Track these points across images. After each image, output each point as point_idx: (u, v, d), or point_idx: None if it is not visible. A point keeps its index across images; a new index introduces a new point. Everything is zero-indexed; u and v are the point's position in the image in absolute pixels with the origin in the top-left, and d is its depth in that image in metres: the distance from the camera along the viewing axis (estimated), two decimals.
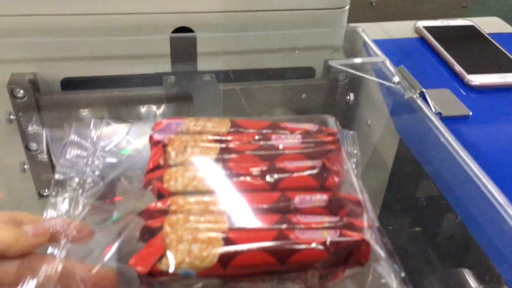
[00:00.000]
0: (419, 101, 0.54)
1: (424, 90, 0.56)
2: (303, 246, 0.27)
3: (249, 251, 0.27)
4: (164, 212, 0.30)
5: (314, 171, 0.32)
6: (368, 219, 0.30)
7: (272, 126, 0.36)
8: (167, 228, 0.28)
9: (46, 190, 0.70)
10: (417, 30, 0.73)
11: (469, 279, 0.65)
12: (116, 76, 0.66)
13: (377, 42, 0.69)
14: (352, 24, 0.70)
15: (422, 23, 0.73)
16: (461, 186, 0.50)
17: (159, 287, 0.29)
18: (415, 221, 0.76)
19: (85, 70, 0.64)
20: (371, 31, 0.72)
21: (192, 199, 0.30)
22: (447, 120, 0.55)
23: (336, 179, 0.32)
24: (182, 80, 0.68)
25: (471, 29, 0.73)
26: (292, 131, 0.35)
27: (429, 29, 0.72)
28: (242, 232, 0.28)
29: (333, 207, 0.30)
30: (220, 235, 0.28)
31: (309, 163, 0.32)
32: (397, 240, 0.78)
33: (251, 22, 0.66)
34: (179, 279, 0.28)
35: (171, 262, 0.27)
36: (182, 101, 0.68)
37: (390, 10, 1.54)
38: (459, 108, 0.57)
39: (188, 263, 0.27)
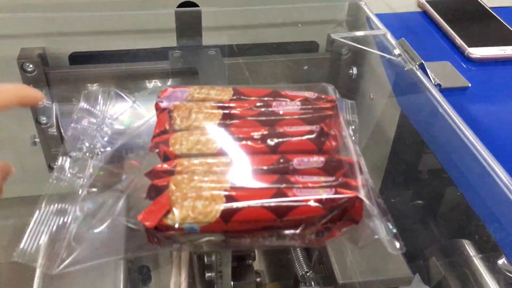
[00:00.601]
0: (419, 73, 0.55)
1: (424, 62, 0.57)
2: (300, 203, 0.29)
3: (250, 207, 0.29)
4: (170, 173, 0.31)
5: (313, 136, 0.33)
6: (362, 179, 0.32)
7: (273, 93, 0.37)
8: (172, 187, 0.30)
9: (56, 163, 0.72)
10: (419, 4, 0.74)
11: (468, 249, 0.67)
12: (123, 51, 0.67)
13: (380, 16, 0.69)
14: None
15: None
16: (459, 157, 0.52)
17: (165, 242, 0.30)
18: (417, 193, 0.78)
19: (92, 44, 0.65)
20: (374, 5, 0.72)
21: (196, 161, 0.32)
22: (447, 92, 0.56)
23: (333, 143, 0.34)
24: (187, 55, 0.69)
25: (473, 3, 0.73)
26: (292, 99, 0.37)
27: (431, 3, 0.72)
28: (243, 190, 0.30)
29: (329, 168, 0.32)
30: (222, 193, 0.29)
31: (307, 128, 0.34)
32: (399, 212, 0.80)
33: None
34: (184, 234, 0.30)
35: (176, 217, 0.29)
36: (187, 75, 0.69)
37: None
38: (459, 80, 0.58)
39: (192, 218, 0.29)
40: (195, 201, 0.29)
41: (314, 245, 0.32)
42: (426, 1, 0.73)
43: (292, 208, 0.29)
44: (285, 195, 0.29)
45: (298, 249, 0.59)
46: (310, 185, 0.30)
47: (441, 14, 0.70)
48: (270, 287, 0.67)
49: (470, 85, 0.58)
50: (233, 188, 0.30)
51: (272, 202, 0.29)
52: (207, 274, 0.53)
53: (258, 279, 0.56)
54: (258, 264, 0.69)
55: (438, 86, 0.56)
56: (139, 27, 0.66)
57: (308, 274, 0.55)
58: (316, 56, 0.72)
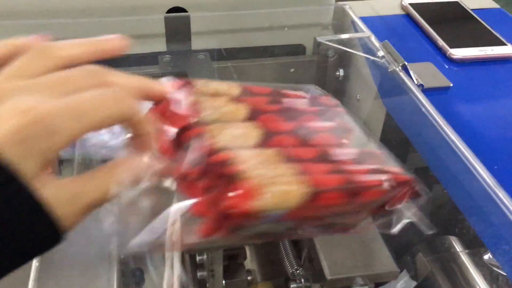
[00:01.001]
0: (402, 74, 0.57)
1: (406, 63, 0.59)
2: (372, 186, 0.30)
3: (328, 191, 0.29)
4: (227, 163, 0.29)
5: (334, 131, 0.34)
6: (395, 166, 0.33)
7: (275, 92, 0.37)
8: (246, 173, 0.28)
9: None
10: (403, 7, 0.76)
11: (455, 245, 0.69)
12: (112, 56, 0.68)
13: (365, 19, 0.71)
14: (340, 2, 0.73)
15: (408, 0, 0.75)
16: (442, 155, 0.54)
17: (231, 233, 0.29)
18: None
19: None
20: (359, 9, 0.74)
21: (246, 152, 0.30)
22: (429, 92, 0.58)
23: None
24: (177, 59, 0.70)
25: (456, 5, 0.75)
26: (295, 97, 0.38)
27: (414, 6, 0.74)
28: (312, 175, 0.29)
29: (364, 159, 0.33)
30: (298, 177, 0.28)
31: (326, 123, 0.35)
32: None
33: (243, 1, 0.69)
34: (257, 224, 0.29)
35: (261, 203, 0.27)
36: (177, 79, 0.71)
37: None
38: (441, 80, 0.60)
39: (275, 203, 0.27)
40: (275, 186, 0.28)
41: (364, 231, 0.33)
42: (409, 4, 0.75)
43: (362, 191, 0.30)
44: (353, 181, 0.30)
45: (288, 246, 0.60)
46: (363, 171, 0.31)
47: (423, 17, 0.72)
48: (262, 286, 0.68)
49: (451, 85, 0.59)
50: (303, 174, 0.29)
51: (346, 186, 0.30)
52: (199, 273, 0.54)
53: (249, 278, 0.58)
54: (250, 262, 0.70)
55: (421, 86, 0.58)
56: (128, 32, 0.67)
57: (298, 271, 0.56)
58: (303, 58, 0.73)
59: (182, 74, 0.70)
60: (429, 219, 0.77)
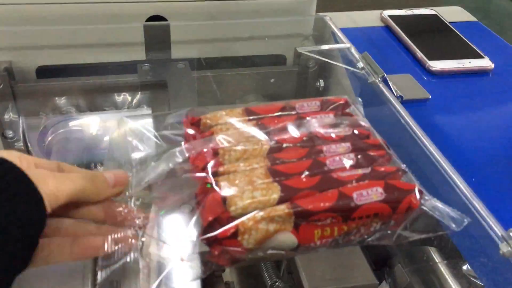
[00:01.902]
0: (381, 86, 0.57)
1: (386, 75, 0.59)
2: (365, 201, 0.30)
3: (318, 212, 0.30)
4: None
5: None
6: (398, 164, 0.34)
7: (287, 107, 0.38)
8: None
9: None
10: (382, 19, 0.76)
11: (434, 256, 0.69)
12: (91, 64, 0.67)
13: (345, 31, 0.71)
14: (321, 13, 0.73)
15: (387, 13, 0.76)
16: (420, 165, 0.54)
17: (233, 257, 0.30)
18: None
19: (60, 58, 0.65)
20: (339, 20, 0.74)
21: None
22: (408, 103, 0.59)
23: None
24: (157, 68, 0.70)
25: (434, 18, 0.76)
26: (309, 114, 0.38)
27: (394, 18, 0.75)
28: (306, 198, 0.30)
29: (363, 161, 0.33)
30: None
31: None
32: None
33: (223, 11, 0.68)
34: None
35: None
36: (157, 88, 0.70)
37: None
38: (420, 92, 0.60)
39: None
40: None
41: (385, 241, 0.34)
42: (389, 16, 0.75)
43: (358, 207, 0.30)
44: (348, 197, 0.30)
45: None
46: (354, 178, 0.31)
47: (403, 29, 0.72)
48: None
49: (430, 96, 0.60)
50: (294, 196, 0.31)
51: (338, 204, 0.30)
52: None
53: None
54: (228, 274, 0.69)
55: (400, 98, 0.58)
56: (107, 41, 0.66)
57: (277, 283, 0.55)
58: (284, 69, 0.73)
59: (162, 83, 0.70)
60: (409, 229, 0.77)
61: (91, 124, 0.70)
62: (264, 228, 0.29)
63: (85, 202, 0.33)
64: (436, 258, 0.69)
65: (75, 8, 0.63)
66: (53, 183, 0.30)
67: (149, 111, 0.73)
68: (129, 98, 0.70)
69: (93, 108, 0.69)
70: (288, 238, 0.30)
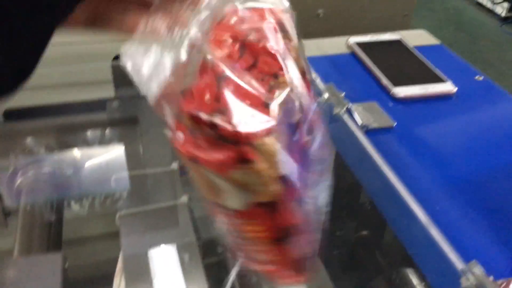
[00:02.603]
0: (345, 117, 0.58)
1: (350, 106, 0.60)
2: None
3: None
4: None
5: None
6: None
7: None
8: None
9: None
10: (349, 46, 0.78)
11: (411, 278, 0.70)
12: (60, 104, 0.67)
13: (312, 59, 0.73)
14: None
15: (353, 39, 0.78)
16: (383, 196, 0.55)
17: None
18: (362, 225, 0.80)
19: (28, 99, 0.65)
20: (307, 48, 0.75)
21: None
22: (374, 132, 0.60)
23: None
24: (127, 104, 0.70)
25: (398, 43, 0.78)
26: None
27: (359, 44, 0.77)
28: None
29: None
30: None
31: None
32: (346, 244, 0.82)
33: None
34: None
35: None
36: (128, 123, 0.70)
37: (337, 21, 1.60)
38: (385, 120, 0.61)
39: None
40: None
41: None
42: (355, 43, 0.77)
43: None
44: None
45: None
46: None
47: (368, 55, 0.74)
48: None
49: (395, 124, 0.61)
50: None
51: None
52: None
53: None
54: None
55: (365, 127, 0.59)
56: (75, 80, 0.67)
57: None
58: None
59: (133, 119, 0.70)
60: (387, 251, 0.77)
61: (61, 163, 0.70)
62: None
63: None
64: (414, 280, 0.70)
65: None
66: None
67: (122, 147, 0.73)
68: (100, 135, 0.70)
69: (64, 146, 0.69)
70: None
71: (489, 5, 3.07)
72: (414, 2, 1.60)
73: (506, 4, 2.95)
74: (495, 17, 3.01)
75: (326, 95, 0.61)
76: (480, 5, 3.15)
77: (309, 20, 1.63)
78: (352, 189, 0.74)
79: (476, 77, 0.71)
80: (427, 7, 3.21)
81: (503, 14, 2.98)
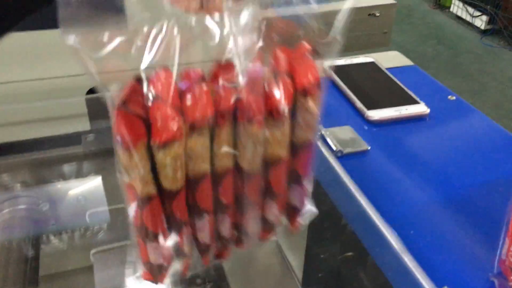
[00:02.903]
0: (320, 143, 0.58)
1: (324, 130, 0.60)
2: None
3: None
4: None
5: None
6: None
7: None
8: None
9: None
10: (324, 69, 0.78)
11: None
12: (35, 139, 0.67)
13: None
14: None
15: (328, 63, 0.78)
16: (357, 222, 0.55)
17: None
18: (345, 247, 0.80)
19: (1, 136, 0.65)
20: None
21: None
22: (348, 156, 0.60)
23: None
24: (103, 137, 0.70)
25: (371, 65, 0.79)
26: None
27: (333, 68, 0.77)
28: None
29: None
30: None
31: None
32: (331, 267, 0.82)
33: None
34: None
35: None
36: (104, 156, 0.70)
37: None
38: (359, 144, 0.61)
39: None
40: None
41: None
42: (329, 67, 0.78)
43: None
44: None
45: None
46: None
47: (342, 79, 0.74)
48: None
49: (369, 148, 0.61)
50: None
51: None
52: None
53: None
54: None
55: (339, 152, 0.59)
56: (49, 115, 0.66)
57: None
58: None
59: (109, 151, 0.70)
60: (371, 271, 0.76)
61: (38, 199, 0.69)
62: None
63: None
64: None
65: (13, 87, 0.63)
66: None
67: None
68: (76, 169, 0.70)
69: (40, 182, 0.69)
70: None
71: (468, 18, 3.13)
72: (393, 20, 1.62)
73: (484, 17, 3.01)
74: (475, 30, 3.06)
75: None
76: (460, 18, 3.21)
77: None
78: (333, 212, 0.74)
79: (449, 97, 0.72)
80: (408, 21, 3.26)
81: (483, 27, 3.03)
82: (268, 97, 0.33)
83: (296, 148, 0.36)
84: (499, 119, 0.69)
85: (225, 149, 0.33)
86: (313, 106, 0.36)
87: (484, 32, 3.05)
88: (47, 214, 0.70)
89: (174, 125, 0.30)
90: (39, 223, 0.70)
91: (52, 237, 0.72)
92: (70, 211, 0.72)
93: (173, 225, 0.34)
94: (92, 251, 0.56)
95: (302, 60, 0.37)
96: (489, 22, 3.02)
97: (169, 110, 0.30)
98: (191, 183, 0.33)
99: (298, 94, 0.35)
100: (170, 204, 0.33)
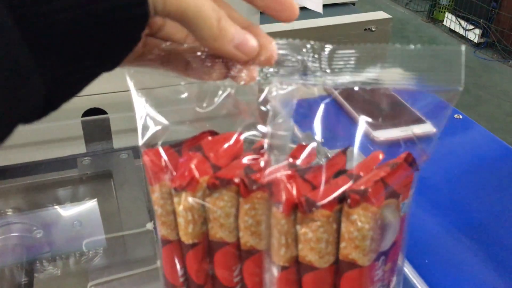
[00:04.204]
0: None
1: (330, 154, 0.58)
2: None
3: None
4: None
5: None
6: None
7: None
8: None
9: None
10: (325, 88, 0.77)
11: None
12: (29, 163, 0.64)
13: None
14: None
15: None
16: None
17: None
18: None
19: None
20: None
21: None
22: None
23: None
24: (99, 160, 0.67)
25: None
26: None
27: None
28: None
29: None
30: None
31: None
32: None
33: None
34: None
35: None
36: (101, 179, 0.68)
37: None
38: None
39: None
40: None
41: None
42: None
43: None
44: None
45: None
46: None
47: (346, 98, 0.73)
48: None
49: None
50: None
51: None
52: None
53: None
54: None
55: None
56: (44, 138, 0.64)
57: None
58: None
59: (106, 173, 0.67)
60: None
61: (31, 224, 0.67)
62: None
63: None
64: None
65: None
66: None
67: None
68: (71, 193, 0.67)
69: (34, 207, 0.66)
70: None
71: (461, 31, 3.15)
72: (389, 34, 1.62)
73: (477, 31, 3.03)
74: (468, 43, 3.08)
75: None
76: (453, 31, 3.23)
77: None
78: None
79: (456, 116, 0.71)
80: (401, 35, 3.27)
81: (476, 40, 3.05)
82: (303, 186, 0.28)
83: (339, 265, 0.28)
84: (495, 132, 0.68)
85: (242, 224, 0.28)
86: (360, 220, 0.27)
87: (477, 46, 3.07)
88: (41, 241, 0.68)
89: (188, 174, 0.28)
90: (33, 250, 0.67)
91: (46, 264, 0.70)
92: (65, 237, 0.69)
93: (190, 283, 0.31)
94: (90, 284, 0.53)
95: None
96: (482, 35, 3.04)
97: (195, 161, 0.28)
98: (211, 246, 0.30)
99: (343, 199, 0.28)
100: (184, 257, 0.30)
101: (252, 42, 0.26)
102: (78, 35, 0.21)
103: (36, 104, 0.22)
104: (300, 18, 0.29)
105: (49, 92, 0.22)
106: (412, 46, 0.27)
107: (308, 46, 0.30)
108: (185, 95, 0.30)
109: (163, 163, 0.29)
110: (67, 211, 0.69)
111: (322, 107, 0.68)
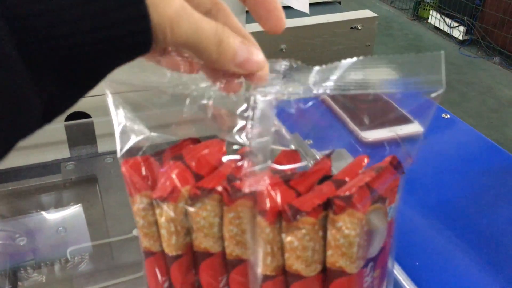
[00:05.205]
0: None
1: (318, 155, 0.58)
2: None
3: None
4: None
5: None
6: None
7: None
8: None
9: None
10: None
11: None
12: (10, 169, 0.63)
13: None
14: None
15: None
16: None
17: None
18: None
19: None
20: None
21: None
22: None
23: None
24: (83, 164, 0.66)
25: None
26: None
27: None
28: None
29: None
30: None
31: None
32: None
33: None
34: None
35: None
36: (86, 184, 0.66)
37: (300, 55, 1.61)
38: None
39: None
40: None
41: None
42: None
43: None
44: None
45: None
46: None
47: (334, 100, 0.72)
48: None
49: None
50: None
51: None
52: None
53: None
54: None
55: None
56: (26, 143, 0.62)
57: None
58: None
59: (91, 178, 0.66)
60: None
61: (14, 231, 0.65)
62: None
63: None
64: None
65: None
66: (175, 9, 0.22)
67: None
68: (55, 199, 0.66)
69: (17, 213, 0.65)
70: None
71: (446, 29, 3.17)
72: (375, 33, 1.62)
73: (462, 28, 3.05)
74: (453, 41, 3.10)
75: (292, 146, 0.59)
76: (438, 29, 3.25)
77: (273, 55, 1.63)
78: None
79: (443, 115, 0.71)
80: (387, 33, 3.29)
81: (460, 38, 3.08)
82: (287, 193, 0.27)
83: (326, 273, 0.27)
84: (480, 129, 0.68)
85: (227, 233, 0.27)
86: (346, 227, 0.26)
87: (462, 43, 3.09)
88: (24, 248, 0.66)
89: (169, 184, 0.27)
90: (17, 257, 0.66)
91: (30, 271, 0.68)
92: (50, 243, 0.68)
93: None
94: None
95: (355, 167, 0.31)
96: (466, 32, 3.07)
97: (176, 171, 0.27)
98: (196, 257, 0.29)
99: (328, 206, 0.27)
100: (169, 269, 0.29)
101: (255, 57, 0.27)
102: (79, 60, 0.21)
103: (35, 123, 0.23)
104: (285, 16, 0.28)
105: (46, 108, 0.22)
106: (396, 55, 0.27)
107: (292, 63, 0.29)
108: (164, 99, 0.29)
109: (144, 173, 0.28)
110: (51, 217, 0.67)
111: (310, 108, 0.67)
